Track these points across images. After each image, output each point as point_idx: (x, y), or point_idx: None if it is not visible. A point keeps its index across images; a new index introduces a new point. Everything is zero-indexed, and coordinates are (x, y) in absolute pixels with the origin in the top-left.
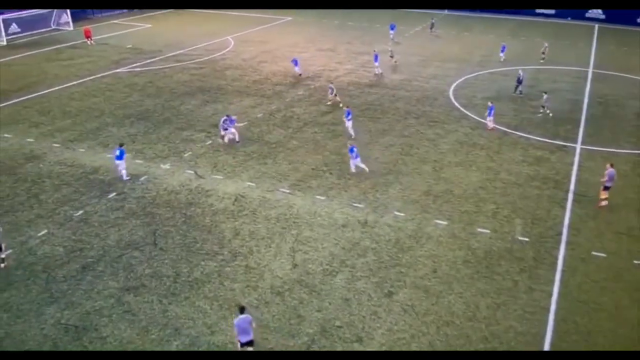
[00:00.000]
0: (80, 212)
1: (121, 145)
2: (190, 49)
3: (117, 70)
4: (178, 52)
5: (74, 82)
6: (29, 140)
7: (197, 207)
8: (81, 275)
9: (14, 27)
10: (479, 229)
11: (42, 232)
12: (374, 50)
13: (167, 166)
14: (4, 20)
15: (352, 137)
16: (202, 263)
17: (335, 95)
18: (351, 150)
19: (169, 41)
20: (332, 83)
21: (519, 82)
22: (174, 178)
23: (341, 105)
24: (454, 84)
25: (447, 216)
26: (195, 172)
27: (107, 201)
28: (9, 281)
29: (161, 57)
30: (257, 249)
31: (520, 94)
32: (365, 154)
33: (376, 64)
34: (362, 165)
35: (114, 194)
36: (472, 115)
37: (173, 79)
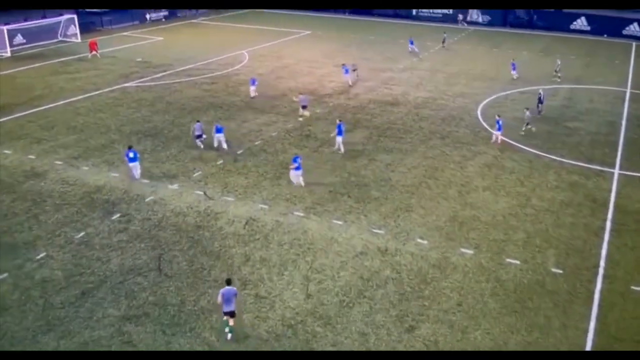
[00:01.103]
0: (82, 234)
1: (130, 147)
2: (202, 63)
3: (126, 85)
4: (190, 66)
5: (80, 97)
6: (30, 156)
7: (205, 231)
8: (80, 301)
9: (19, 38)
10: (509, 260)
11: (41, 255)
12: (343, 64)
13: (175, 186)
14: (8, 31)
15: (340, 152)
16: (210, 291)
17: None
18: (294, 160)
19: (181, 55)
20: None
21: (540, 101)
22: (181, 199)
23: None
24: (482, 103)
25: (474, 245)
26: (205, 193)
27: (111, 223)
28: (3, 306)
29: (172, 71)
30: (269, 277)
31: (539, 114)
32: (386, 176)
33: (347, 76)
34: (300, 180)
35: (118, 215)
36: (501, 137)
37: (184, 95)
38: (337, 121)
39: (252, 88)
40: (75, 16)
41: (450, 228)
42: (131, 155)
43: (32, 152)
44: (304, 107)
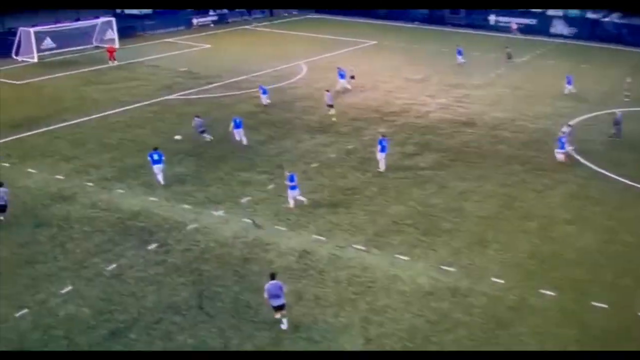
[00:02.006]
0: (113, 265)
1: (156, 148)
2: (254, 75)
3: (168, 97)
4: (240, 78)
5: (116, 110)
6: (57, 177)
7: (253, 264)
8: (109, 343)
9: (48, 42)
10: (594, 303)
11: (66, 289)
12: (338, 67)
13: (220, 213)
14: (36, 34)
15: (381, 171)
16: (256, 334)
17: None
18: (291, 179)
19: (231, 65)
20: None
21: (616, 124)
22: (227, 227)
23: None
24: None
25: (556, 285)
26: (253, 222)
27: (146, 253)
28: (21, 346)
29: (220, 83)
30: (323, 319)
31: (611, 137)
32: (458, 205)
33: (342, 80)
34: (301, 198)
35: (155, 245)
36: (588, 164)
37: (233, 110)
38: (380, 136)
39: (264, 97)
40: (113, 19)
41: (529, 266)
42: (156, 157)
43: (60, 172)
44: (330, 105)
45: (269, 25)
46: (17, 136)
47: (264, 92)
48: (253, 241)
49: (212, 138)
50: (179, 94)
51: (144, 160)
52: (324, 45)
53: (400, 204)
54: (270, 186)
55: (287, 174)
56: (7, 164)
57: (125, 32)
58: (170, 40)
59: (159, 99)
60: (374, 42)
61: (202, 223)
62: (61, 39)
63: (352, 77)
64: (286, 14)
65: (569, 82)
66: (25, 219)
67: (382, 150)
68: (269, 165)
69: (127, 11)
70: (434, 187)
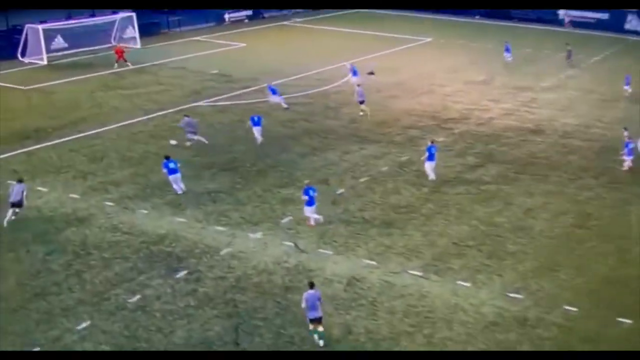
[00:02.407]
0: (137, 297)
1: (167, 157)
2: (295, 77)
3: (197, 104)
4: (279, 81)
5: (139, 118)
6: (72, 196)
7: (296, 294)
8: None
9: (59, 42)
10: None
11: (84, 325)
12: (350, 64)
13: (258, 235)
14: (45, 32)
15: (431, 179)
16: None
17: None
18: (306, 192)
19: (268, 66)
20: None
21: None
22: (266, 252)
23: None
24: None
25: (636, 313)
26: (296, 245)
27: (175, 282)
28: None
29: (256, 87)
30: None
31: None
32: (526, 224)
33: (355, 78)
34: (317, 216)
35: (185, 272)
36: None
37: (271, 118)
38: (429, 142)
39: (275, 98)
40: (133, 15)
41: (606, 292)
42: (172, 165)
43: (75, 190)
44: (361, 102)
45: (310, 20)
46: (25, 149)
47: (274, 92)
48: (295, 267)
49: (206, 142)
50: (209, 100)
51: None
52: (373, 42)
53: (461, 223)
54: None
55: (306, 184)
56: (13, 182)
57: (148, 30)
58: (198, 38)
59: (186, 106)
60: (429, 39)
61: (237, 247)
62: (74, 38)
63: (371, 73)
64: None
65: (627, 83)
66: (35, 245)
67: (430, 158)
68: (312, 180)
69: None
70: (498, 204)
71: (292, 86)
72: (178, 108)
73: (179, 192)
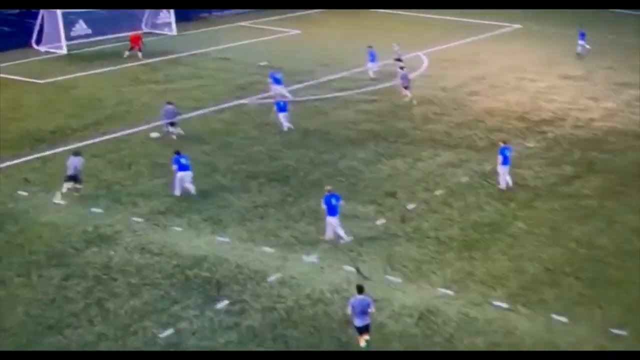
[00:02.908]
0: (170, 331)
1: (178, 152)
2: (358, 70)
3: (242, 102)
4: (339, 75)
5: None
6: (94, 210)
7: None
8: None
9: (80, 27)
10: None
11: None
12: (369, 47)
13: (312, 258)
14: (64, 16)
15: (508, 188)
16: None
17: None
18: (327, 201)
19: (327, 57)
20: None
21: None
22: (323, 278)
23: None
24: None
25: None
26: (358, 270)
27: (215, 314)
28: None
29: (313, 82)
30: None
31: None
32: (632, 247)
33: (371, 64)
34: (340, 231)
35: (225, 302)
36: None
37: (330, 118)
38: (500, 143)
39: (276, 88)
40: None
41: None
42: (183, 161)
43: (98, 204)
44: (406, 87)
45: None
46: (40, 154)
47: (277, 82)
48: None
49: (182, 133)
50: (257, 97)
51: (210, 187)
52: (451, 30)
53: (556, 245)
54: (380, 221)
55: (327, 191)
56: (25, 193)
57: (185, 14)
58: (245, 24)
59: (230, 104)
60: (518, 25)
61: (288, 272)
62: (99, 24)
63: (399, 60)
64: None
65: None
66: (50, 269)
67: (505, 162)
68: (377, 193)
69: None
70: (600, 222)
71: (355, 80)
72: (220, 106)
73: (191, 192)
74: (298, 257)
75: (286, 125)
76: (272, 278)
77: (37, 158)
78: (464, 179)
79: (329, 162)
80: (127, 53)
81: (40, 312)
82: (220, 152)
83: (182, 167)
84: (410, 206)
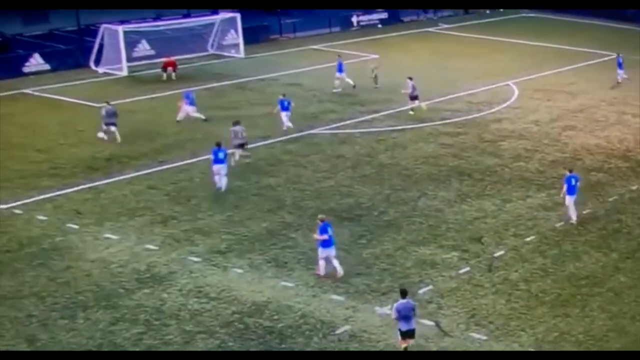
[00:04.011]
0: None
1: (218, 144)
2: (442, 99)
3: (313, 132)
4: (421, 103)
5: (232, 150)
6: (148, 247)
7: None
8: None
9: (143, 47)
10: None
11: None
12: (338, 56)
13: (386, 310)
14: (126, 35)
15: (573, 222)
16: None
17: None
18: (323, 230)
19: (406, 84)
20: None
21: None
22: (396, 332)
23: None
24: None
25: None
26: (437, 325)
27: None
28: None
29: (390, 111)
30: None
31: None
32: None
33: (341, 75)
34: (337, 265)
35: None
36: None
37: (408, 152)
38: (567, 172)
39: (188, 108)
40: (237, 16)
41: None
42: (221, 155)
43: (153, 240)
44: (413, 97)
45: (462, 27)
46: (93, 184)
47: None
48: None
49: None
50: (328, 127)
51: (274, 225)
52: (542, 57)
53: None
54: (463, 269)
55: (320, 222)
56: (75, 226)
57: (254, 35)
58: (318, 47)
59: (299, 134)
60: (615, 54)
61: (358, 324)
62: (162, 43)
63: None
64: (488, 12)
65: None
66: (97, 311)
67: (571, 191)
68: (460, 237)
69: None
70: None
71: (437, 111)
72: (289, 136)
73: (222, 189)
74: (370, 308)
75: (287, 125)
76: (340, 330)
77: (90, 188)
78: (558, 225)
79: (407, 200)
80: (165, 76)
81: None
82: (287, 186)
83: (218, 161)
84: (498, 253)
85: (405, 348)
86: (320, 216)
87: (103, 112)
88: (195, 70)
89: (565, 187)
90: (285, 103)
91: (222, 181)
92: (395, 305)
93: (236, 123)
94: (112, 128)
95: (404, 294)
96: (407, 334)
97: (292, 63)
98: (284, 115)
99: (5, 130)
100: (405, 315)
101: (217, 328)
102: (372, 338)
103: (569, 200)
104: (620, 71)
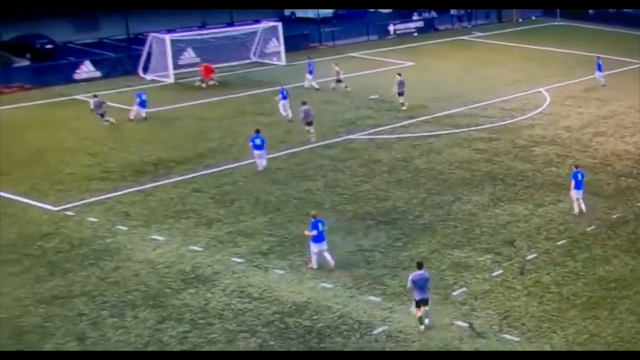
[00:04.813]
0: None
1: (257, 131)
2: (475, 106)
3: (351, 137)
4: (455, 110)
5: (278, 153)
6: (193, 248)
7: None
8: None
9: (189, 55)
10: None
11: None
12: (308, 58)
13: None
14: (173, 43)
15: (581, 214)
16: None
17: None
18: (314, 226)
19: (441, 91)
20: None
21: None
22: (432, 334)
23: None
24: None
25: None
26: (471, 326)
27: None
28: None
29: (426, 117)
30: None
31: None
32: None
33: (310, 77)
34: (328, 257)
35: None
36: None
37: (443, 157)
38: (573, 167)
39: (282, 104)
40: (279, 25)
41: None
42: (258, 141)
43: (198, 241)
44: (400, 94)
45: (495, 35)
46: (141, 187)
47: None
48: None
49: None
50: (366, 132)
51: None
52: (572, 64)
53: None
54: (496, 272)
55: (312, 218)
56: (124, 227)
57: (295, 43)
58: (356, 54)
59: (337, 139)
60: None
61: (395, 325)
62: (207, 51)
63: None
64: (520, 20)
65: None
66: (145, 310)
67: (577, 186)
68: (494, 240)
69: (298, 14)
70: None
71: (471, 117)
72: (327, 141)
73: (259, 169)
74: (406, 309)
75: (284, 113)
76: (377, 330)
77: (139, 191)
78: (589, 228)
79: (442, 204)
80: (205, 81)
81: None
82: (326, 190)
83: (256, 147)
84: (530, 257)
85: (420, 318)
86: (312, 212)
87: (92, 104)
88: (238, 77)
89: (573, 183)
90: (284, 92)
91: (261, 163)
92: (411, 275)
93: (304, 103)
94: (104, 117)
95: (419, 265)
96: (422, 302)
97: (330, 70)
98: (281, 104)
99: (59, 135)
100: (420, 285)
101: (258, 327)
102: (408, 338)
103: (576, 194)
104: (599, 73)
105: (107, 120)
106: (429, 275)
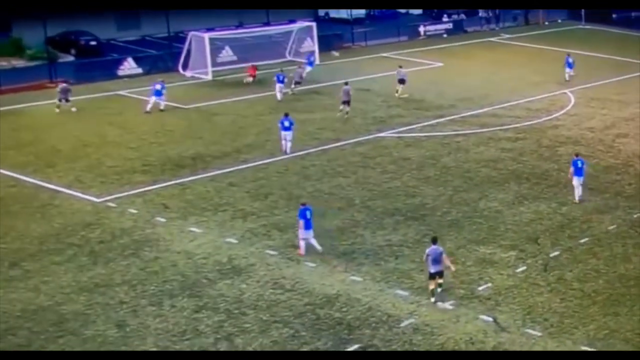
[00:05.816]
0: None
1: (286, 114)
2: (502, 106)
3: (381, 135)
4: (482, 110)
5: (312, 149)
6: (229, 240)
7: None
8: None
9: (227, 54)
10: None
11: None
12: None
13: (448, 305)
14: (211, 41)
15: (580, 201)
16: None
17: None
18: (302, 215)
19: (469, 91)
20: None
21: None
22: (458, 327)
23: None
24: None
25: None
26: (495, 320)
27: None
28: None
29: (453, 116)
30: None
31: None
32: None
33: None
34: (314, 242)
35: (356, 346)
36: None
37: (470, 155)
38: (574, 156)
39: (279, 87)
40: (313, 25)
41: None
42: (286, 123)
43: (234, 234)
44: (400, 81)
45: (522, 37)
46: (180, 180)
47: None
48: (495, 349)
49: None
50: (396, 130)
51: (344, 222)
52: (597, 66)
53: None
54: (520, 268)
55: (301, 206)
56: (162, 219)
57: (328, 43)
58: (387, 54)
59: (368, 137)
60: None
61: (422, 318)
62: (244, 50)
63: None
64: (547, 22)
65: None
66: (182, 299)
67: (578, 173)
68: (518, 237)
69: (332, 14)
70: None
71: (498, 117)
72: (359, 139)
73: (287, 152)
74: (432, 303)
75: (280, 95)
76: (404, 323)
77: (177, 184)
78: (611, 227)
79: (468, 201)
80: (247, 80)
81: (170, 344)
82: (356, 186)
83: (284, 128)
84: (553, 254)
85: (433, 290)
86: (301, 201)
87: (59, 88)
88: (273, 75)
89: (572, 169)
90: (281, 77)
91: (287, 146)
92: (427, 250)
93: (346, 84)
94: (64, 102)
95: (434, 240)
96: (436, 275)
97: (363, 70)
98: (278, 88)
99: (102, 129)
100: (434, 258)
101: (291, 318)
102: (434, 331)
103: (577, 181)
104: (568, 69)
105: (67, 107)
106: (442, 250)
